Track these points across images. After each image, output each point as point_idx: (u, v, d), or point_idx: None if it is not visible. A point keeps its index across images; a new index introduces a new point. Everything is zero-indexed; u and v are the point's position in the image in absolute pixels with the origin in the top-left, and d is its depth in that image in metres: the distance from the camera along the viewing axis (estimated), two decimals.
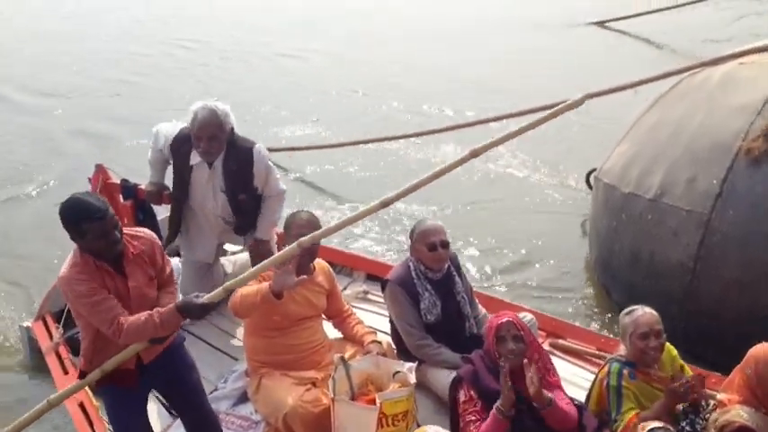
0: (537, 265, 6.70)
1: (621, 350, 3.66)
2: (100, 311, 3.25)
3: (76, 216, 3.20)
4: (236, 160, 4.48)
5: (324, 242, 4.52)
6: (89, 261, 3.28)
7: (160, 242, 3.63)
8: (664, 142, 5.51)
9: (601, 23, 12.87)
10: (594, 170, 6.51)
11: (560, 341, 4.73)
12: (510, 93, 10.05)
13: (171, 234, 4.84)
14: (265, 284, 3.67)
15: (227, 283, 3.39)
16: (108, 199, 4.79)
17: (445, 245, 4.13)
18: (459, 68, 11.63)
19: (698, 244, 5.08)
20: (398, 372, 3.78)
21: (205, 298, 3.27)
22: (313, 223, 3.90)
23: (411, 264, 4.17)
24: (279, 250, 3.82)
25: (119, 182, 5.16)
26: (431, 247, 4.10)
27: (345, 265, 5.56)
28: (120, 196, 5.15)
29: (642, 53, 11.66)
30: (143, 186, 4.82)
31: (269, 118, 10.27)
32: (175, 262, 4.85)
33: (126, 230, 3.43)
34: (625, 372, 3.53)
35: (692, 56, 9.81)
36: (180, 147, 4.55)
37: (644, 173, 5.56)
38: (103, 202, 3.26)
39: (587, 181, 7.08)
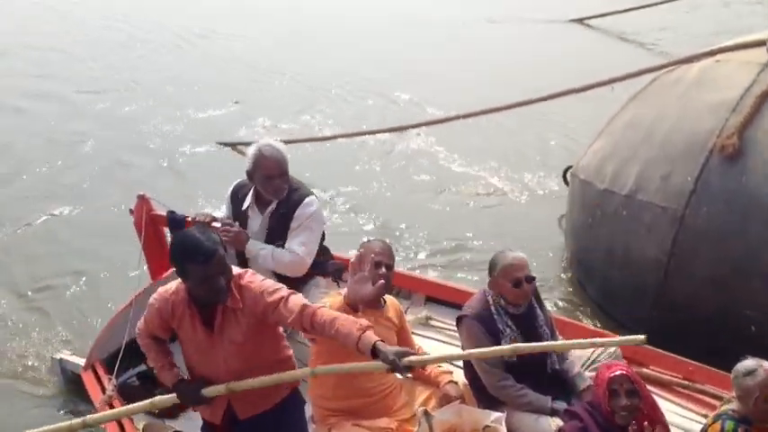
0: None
1: (732, 404, 3.39)
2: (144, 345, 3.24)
3: (181, 255, 2.97)
4: (288, 204, 4.20)
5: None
6: (182, 298, 3.06)
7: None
8: (639, 139, 5.55)
9: (581, 21, 12.94)
10: (571, 167, 6.55)
11: (644, 370, 4.30)
12: (489, 88, 10.06)
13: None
14: (339, 299, 3.38)
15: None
16: (152, 232, 4.61)
17: (530, 280, 3.79)
18: (430, 62, 11.64)
19: (672, 240, 5.13)
20: (488, 426, 3.49)
21: (206, 391, 3.04)
22: (388, 251, 3.69)
23: (490, 298, 3.84)
24: (353, 276, 3.45)
25: (164, 213, 4.69)
26: (515, 283, 3.75)
27: (403, 286, 5.14)
28: (167, 229, 4.76)
29: (620, 50, 11.74)
30: (190, 218, 4.47)
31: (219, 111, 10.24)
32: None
33: (236, 272, 3.08)
34: (740, 431, 3.30)
35: (668, 53, 9.89)
36: (238, 193, 4.36)
37: (619, 169, 5.60)
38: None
39: (564, 177, 7.13)
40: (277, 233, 4.20)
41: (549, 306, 6.03)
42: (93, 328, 5.61)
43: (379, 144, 8.95)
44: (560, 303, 6.19)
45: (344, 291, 3.49)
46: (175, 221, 4.59)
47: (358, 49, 12.47)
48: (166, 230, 4.85)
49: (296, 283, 4.02)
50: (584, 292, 6.15)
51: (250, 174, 4.17)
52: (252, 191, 4.26)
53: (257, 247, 4.16)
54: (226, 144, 8.98)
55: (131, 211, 4.76)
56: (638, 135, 5.59)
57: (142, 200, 4.76)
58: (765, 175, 4.85)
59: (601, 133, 6.12)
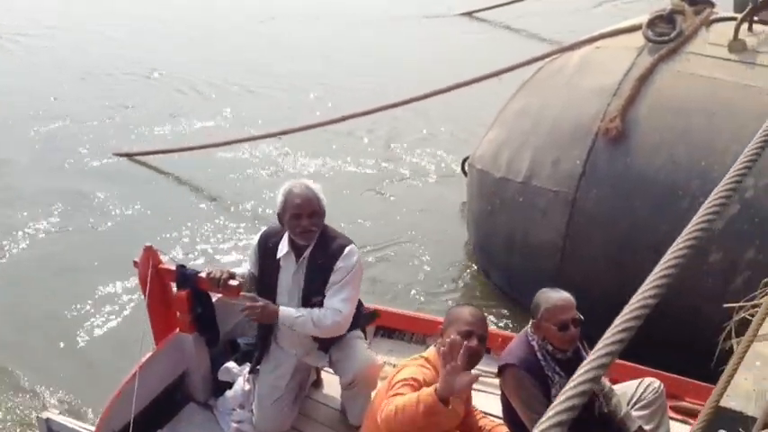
0: (419, 252, 6.83)
1: None
2: None
3: None
4: (326, 253, 3.80)
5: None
6: None
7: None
8: (529, 127, 5.73)
9: (469, 14, 13.21)
10: (468, 157, 6.70)
11: (681, 403, 4.11)
12: (377, 84, 10.15)
13: (260, 354, 4.07)
14: (426, 390, 3.00)
15: None
16: (159, 287, 4.09)
17: (578, 323, 3.47)
18: (317, 61, 11.66)
19: (566, 223, 5.32)
20: None
21: None
22: (481, 319, 3.34)
23: (535, 343, 3.49)
24: (443, 363, 3.04)
25: (173, 267, 4.21)
26: (562, 327, 3.42)
27: (416, 331, 4.68)
28: (174, 285, 4.27)
29: (507, 41, 12.06)
30: (203, 274, 3.99)
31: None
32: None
33: None
34: None
35: (552, 41, 10.23)
36: (267, 241, 3.95)
37: (513, 157, 5.76)
38: None
39: (462, 168, 7.27)
40: (315, 286, 3.80)
41: (454, 293, 6.28)
42: (85, 386, 5.27)
43: (273, 148, 8.89)
44: (466, 291, 6.34)
45: (429, 355, 3.24)
46: (185, 277, 4.13)
47: (239, 49, 12.35)
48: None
49: (336, 338, 3.87)
50: (488, 279, 6.31)
51: (280, 216, 3.78)
52: (286, 238, 3.86)
53: (293, 316, 3.76)
54: (123, 155, 8.72)
55: (136, 264, 4.24)
56: (529, 123, 5.76)
57: (148, 251, 4.19)
58: (648, 155, 5.08)
59: (494, 123, 6.27)
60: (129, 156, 8.69)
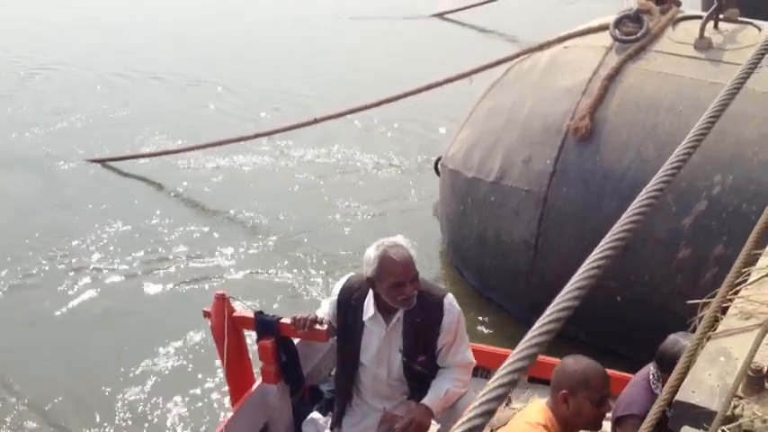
0: None
1: None
2: None
3: None
4: (422, 311, 3.52)
5: None
6: None
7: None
8: (500, 126, 5.76)
9: (441, 15, 13.26)
10: (441, 157, 6.72)
11: None
12: (350, 86, 10.15)
13: (342, 408, 3.80)
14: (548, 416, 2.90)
15: None
16: (235, 337, 3.81)
17: None
18: (295, 61, 11.64)
19: (537, 221, 5.37)
20: None
21: None
22: (608, 378, 3.06)
23: (658, 392, 3.14)
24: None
25: (251, 315, 3.89)
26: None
27: (484, 364, 4.14)
28: (255, 333, 3.94)
29: (478, 42, 12.13)
30: (285, 319, 3.75)
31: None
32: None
33: None
34: None
35: (522, 42, 10.29)
36: (349, 296, 3.64)
37: (485, 157, 5.79)
38: None
39: (435, 168, 7.29)
40: (417, 348, 3.56)
41: None
42: None
43: (251, 151, 8.85)
44: None
45: (546, 420, 3.00)
46: (267, 325, 3.80)
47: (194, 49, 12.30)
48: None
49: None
50: (463, 277, 6.34)
51: (372, 280, 3.45)
52: (371, 297, 3.56)
53: (440, 399, 3.51)
54: (96, 161, 8.62)
55: (207, 314, 3.91)
56: (499, 123, 5.80)
57: (221, 300, 3.86)
58: (616, 152, 5.14)
59: (465, 123, 6.30)
60: (102, 161, 8.62)
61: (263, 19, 13.83)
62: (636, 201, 1.30)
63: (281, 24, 13.50)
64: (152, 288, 6.46)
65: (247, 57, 11.99)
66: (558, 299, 1.13)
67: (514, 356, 1.05)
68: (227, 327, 3.82)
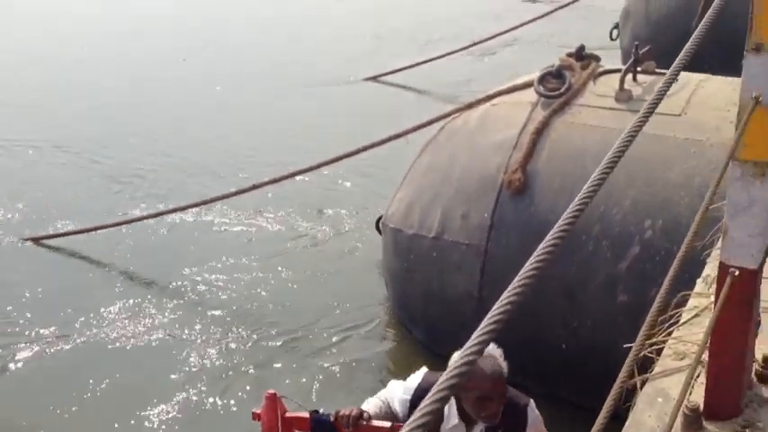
0: (339, 315, 6.84)
1: None
2: None
3: None
4: (507, 420, 3.38)
5: None
6: None
7: None
8: (437, 183, 5.90)
9: (374, 78, 13.54)
10: (382, 216, 6.81)
11: None
12: (286, 151, 10.23)
13: None
14: None
15: None
16: None
17: None
18: (219, 130, 11.71)
19: (479, 273, 5.49)
20: None
21: None
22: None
23: None
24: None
25: (305, 415, 3.69)
26: None
27: None
28: None
29: (412, 102, 12.42)
30: (344, 413, 3.52)
31: None
32: None
33: None
34: None
35: (453, 100, 10.58)
36: (424, 399, 3.56)
37: (424, 214, 5.91)
38: None
39: (377, 227, 7.38)
40: None
41: (377, 355, 6.31)
42: None
43: (189, 219, 8.81)
44: (390, 349, 6.39)
45: None
46: (323, 425, 3.59)
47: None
48: None
49: None
50: (410, 334, 6.37)
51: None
52: (453, 404, 3.41)
53: None
54: (31, 239, 8.43)
55: (257, 416, 3.75)
56: (436, 180, 5.94)
57: (272, 400, 3.70)
58: (550, 202, 5.31)
59: (403, 182, 6.43)
60: (36, 240, 8.45)
61: (195, 87, 13.89)
62: (538, 249, 1.41)
63: (214, 91, 13.58)
64: (87, 370, 6.32)
65: (183, 124, 12.00)
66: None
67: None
68: (280, 428, 3.66)
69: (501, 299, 1.35)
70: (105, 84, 13.79)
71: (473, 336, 1.32)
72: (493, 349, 3.31)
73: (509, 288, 1.41)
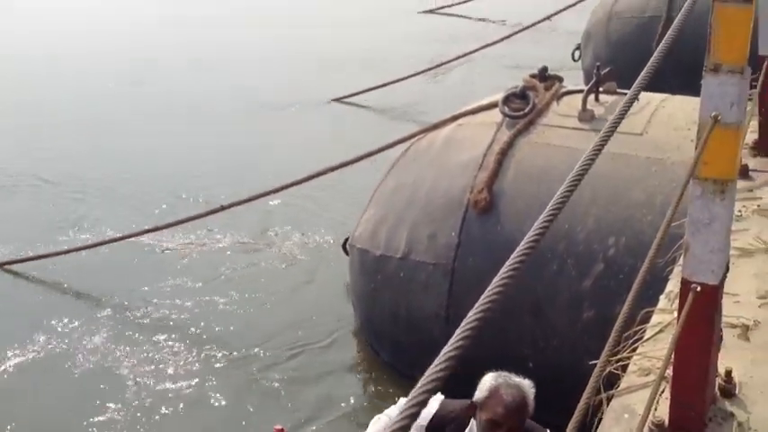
0: (308, 337, 6.79)
1: None
2: None
3: None
4: None
5: None
6: None
7: None
8: (404, 204, 5.92)
9: (340, 99, 13.60)
10: (348, 238, 6.80)
11: None
12: (251, 173, 10.20)
13: None
14: None
15: None
16: None
17: None
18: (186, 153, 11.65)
19: (447, 293, 5.49)
20: None
21: None
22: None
23: None
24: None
25: None
26: None
27: None
28: None
29: (377, 123, 12.49)
30: None
31: None
32: None
33: None
34: None
35: (419, 121, 10.66)
36: (443, 424, 3.47)
37: (391, 234, 5.91)
38: None
39: (344, 248, 7.36)
40: None
41: (345, 377, 6.27)
42: None
43: (158, 241, 8.72)
44: (358, 372, 6.36)
45: None
46: None
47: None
48: None
49: None
50: (378, 356, 6.35)
51: (475, 406, 3.32)
52: (474, 428, 3.37)
53: None
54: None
55: None
56: (403, 200, 5.95)
57: None
58: (515, 222, 5.35)
59: (370, 203, 6.43)
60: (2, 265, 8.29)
61: (156, 111, 13.80)
62: (503, 268, 1.43)
63: (177, 114, 13.50)
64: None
65: (144, 148, 11.89)
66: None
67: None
68: None
69: (467, 318, 1.36)
70: (54, 106, 13.67)
71: (441, 353, 1.32)
72: (526, 384, 3.33)
73: (475, 307, 1.43)
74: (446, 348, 1.31)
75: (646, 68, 2.21)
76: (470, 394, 3.29)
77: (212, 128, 12.72)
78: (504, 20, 18.05)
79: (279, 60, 16.30)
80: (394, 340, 6.04)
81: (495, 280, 1.45)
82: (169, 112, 13.55)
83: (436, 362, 1.27)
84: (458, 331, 1.36)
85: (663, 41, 2.30)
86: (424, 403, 1.19)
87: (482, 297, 1.43)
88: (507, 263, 1.45)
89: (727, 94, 2.35)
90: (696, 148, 2.39)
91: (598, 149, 1.87)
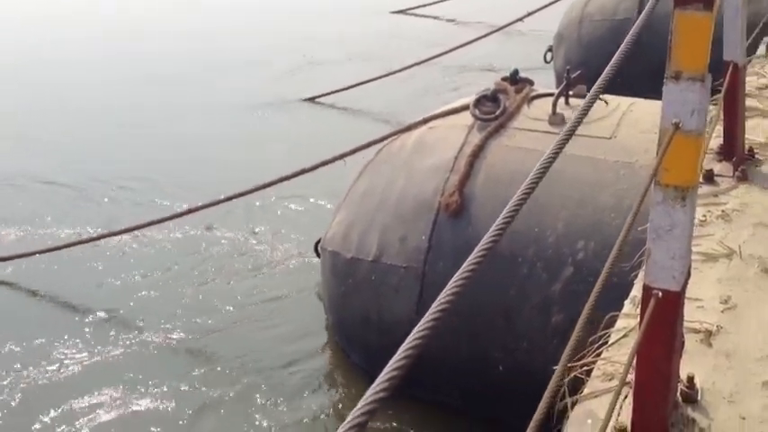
0: (279, 339, 6.77)
1: None
2: None
3: None
4: None
5: None
6: None
7: None
8: (375, 207, 5.90)
9: (311, 99, 13.56)
10: (320, 240, 6.77)
11: None
12: (222, 174, 10.14)
13: None
14: None
15: None
16: None
17: None
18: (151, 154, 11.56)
19: (417, 296, 5.48)
20: None
21: None
22: None
23: None
24: None
25: None
26: None
27: None
28: None
29: (349, 124, 12.46)
30: None
31: None
32: None
33: None
34: None
35: (390, 123, 10.66)
36: None
37: (362, 237, 5.89)
38: None
39: (316, 250, 7.33)
40: None
41: (311, 375, 6.24)
42: None
43: (129, 243, 8.63)
44: (329, 375, 6.34)
45: None
46: None
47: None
48: None
49: None
50: (349, 358, 6.34)
51: None
52: None
53: None
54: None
55: None
56: (374, 203, 5.94)
57: None
58: (486, 225, 5.28)
59: (341, 205, 6.41)
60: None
61: (125, 110, 13.66)
62: (460, 270, 1.42)
63: (145, 112, 13.38)
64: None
65: (114, 147, 11.77)
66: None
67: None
68: None
69: (419, 324, 1.35)
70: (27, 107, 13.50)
71: (399, 350, 1.30)
72: None
73: (432, 307, 1.41)
74: (403, 346, 1.29)
75: (605, 71, 2.22)
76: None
77: (181, 129, 12.62)
78: (478, 21, 18.09)
79: (248, 60, 16.22)
80: (364, 342, 6.02)
81: (451, 282, 1.44)
82: (140, 109, 13.44)
83: (391, 362, 1.24)
84: (411, 335, 1.35)
85: (623, 44, 2.31)
86: (372, 413, 1.16)
87: (438, 297, 1.42)
88: (464, 264, 1.45)
89: (688, 102, 2.36)
90: (657, 154, 2.40)
91: (557, 151, 1.87)
